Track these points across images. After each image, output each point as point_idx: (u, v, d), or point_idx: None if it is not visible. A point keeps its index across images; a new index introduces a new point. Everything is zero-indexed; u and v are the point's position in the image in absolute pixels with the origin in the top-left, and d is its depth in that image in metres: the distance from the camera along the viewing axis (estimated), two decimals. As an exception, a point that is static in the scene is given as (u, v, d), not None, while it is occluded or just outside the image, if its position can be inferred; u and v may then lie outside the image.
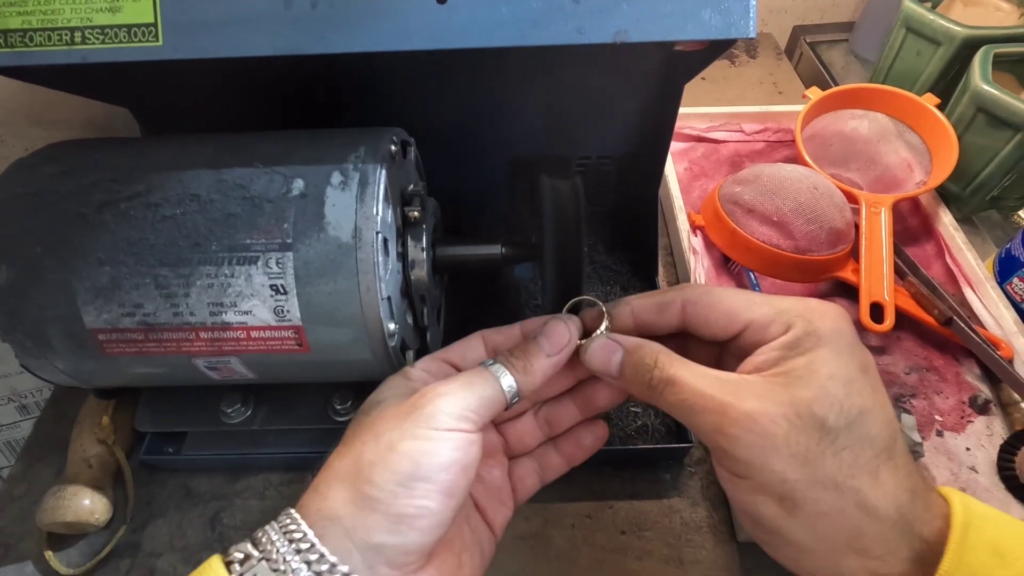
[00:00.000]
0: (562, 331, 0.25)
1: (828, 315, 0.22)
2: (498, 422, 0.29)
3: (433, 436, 0.22)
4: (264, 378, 0.33)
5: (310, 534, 0.20)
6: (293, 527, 0.21)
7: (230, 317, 0.29)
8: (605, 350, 0.25)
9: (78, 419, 0.40)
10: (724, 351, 0.25)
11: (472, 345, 0.28)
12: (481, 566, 0.25)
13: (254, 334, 0.29)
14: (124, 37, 0.26)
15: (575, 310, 0.28)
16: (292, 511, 0.21)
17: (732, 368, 0.23)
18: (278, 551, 0.20)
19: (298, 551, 0.20)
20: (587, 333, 0.26)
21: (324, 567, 0.20)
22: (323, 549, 0.20)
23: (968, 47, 0.54)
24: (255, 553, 0.20)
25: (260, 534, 0.21)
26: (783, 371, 0.21)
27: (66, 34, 0.26)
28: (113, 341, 0.30)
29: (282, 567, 0.19)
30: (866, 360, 0.21)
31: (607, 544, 0.37)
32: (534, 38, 0.26)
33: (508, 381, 0.24)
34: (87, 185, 0.29)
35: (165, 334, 0.30)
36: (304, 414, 0.39)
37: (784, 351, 0.21)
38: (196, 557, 0.37)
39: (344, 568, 0.20)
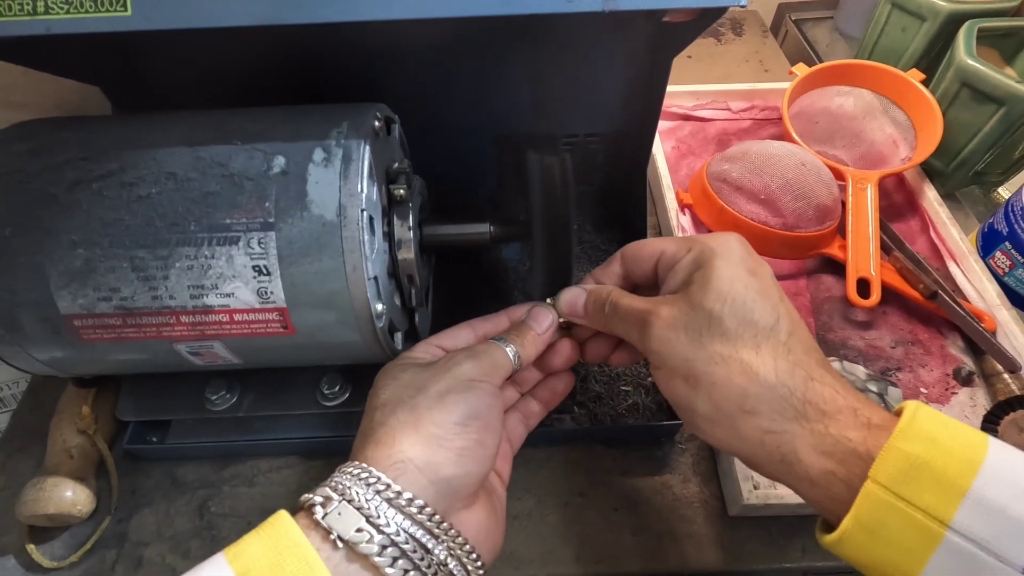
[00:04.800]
0: (545, 314, 0.32)
1: (720, 237, 0.27)
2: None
3: (471, 386, 0.27)
4: (249, 363, 0.32)
5: (384, 477, 0.23)
6: (365, 475, 0.23)
7: (212, 300, 0.28)
8: (572, 295, 0.32)
9: (57, 409, 0.39)
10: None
11: (462, 334, 0.32)
12: (502, 508, 0.29)
13: (237, 317, 0.29)
14: (90, 6, 0.25)
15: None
16: (358, 462, 0.24)
17: None
18: (358, 493, 0.22)
19: (377, 492, 0.23)
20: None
21: (402, 502, 0.23)
22: (399, 487, 0.23)
23: (952, 22, 0.54)
24: (335, 496, 0.23)
25: (333, 483, 0.23)
26: (688, 282, 0.27)
27: (28, 3, 0.25)
28: (90, 327, 0.29)
29: (365, 505, 0.22)
30: (754, 266, 0.26)
31: (601, 521, 0.37)
32: (521, 6, 0.25)
33: (513, 351, 0.30)
34: (58, 164, 0.28)
35: (144, 319, 0.29)
36: (292, 400, 0.38)
37: (689, 268, 0.27)
38: (185, 546, 0.37)
39: (420, 501, 0.23)
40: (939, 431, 0.21)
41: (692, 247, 0.27)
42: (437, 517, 0.23)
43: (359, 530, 0.22)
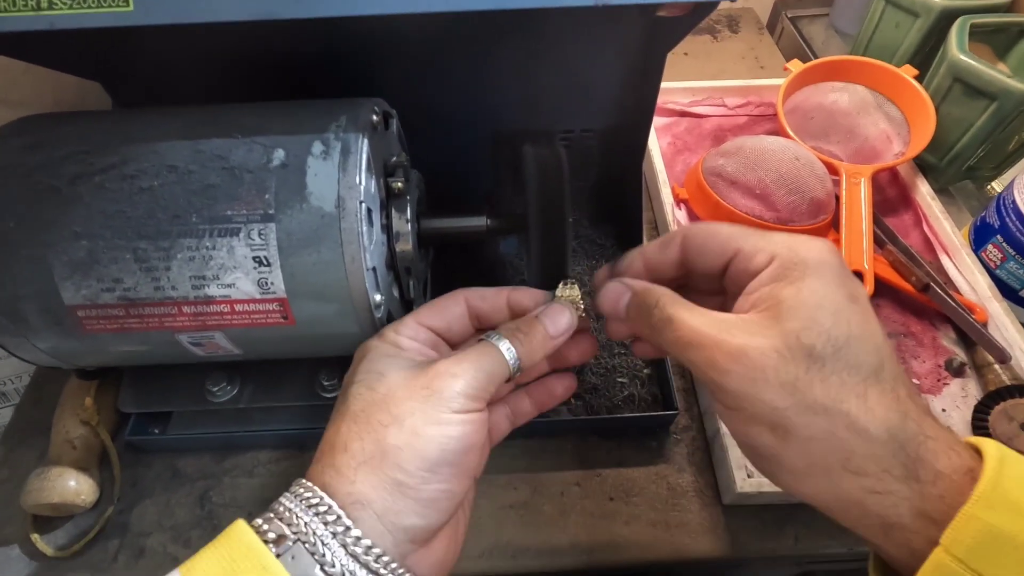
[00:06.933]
0: (566, 317, 0.27)
1: (814, 247, 0.22)
2: None
3: (454, 419, 0.23)
4: (250, 353, 0.33)
5: (343, 517, 0.21)
6: (324, 508, 0.21)
7: (213, 290, 0.29)
8: (615, 292, 0.26)
9: (60, 401, 0.39)
10: (726, 296, 0.26)
11: (456, 312, 0.28)
12: (465, 523, 0.27)
13: (238, 307, 0.29)
14: (92, 1, 0.25)
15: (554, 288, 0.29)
16: (316, 489, 0.22)
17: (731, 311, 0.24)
18: (314, 533, 0.21)
19: (334, 534, 0.21)
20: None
21: (359, 549, 0.21)
22: (357, 532, 0.21)
23: (945, 18, 0.55)
24: (288, 533, 0.21)
25: (285, 511, 0.21)
26: (774, 304, 0.22)
27: (31, -1, 0.25)
28: (93, 317, 0.29)
29: (320, 550, 0.20)
30: (854, 290, 0.22)
31: (596, 511, 0.38)
32: (516, 0, 0.26)
33: (513, 356, 0.25)
34: (59, 158, 0.28)
35: (146, 309, 0.29)
36: (291, 391, 0.39)
37: (773, 284, 0.22)
38: (186, 535, 0.37)
39: (378, 550, 0.21)
40: None
41: (776, 254, 0.22)
42: (394, 565, 0.21)
43: None
